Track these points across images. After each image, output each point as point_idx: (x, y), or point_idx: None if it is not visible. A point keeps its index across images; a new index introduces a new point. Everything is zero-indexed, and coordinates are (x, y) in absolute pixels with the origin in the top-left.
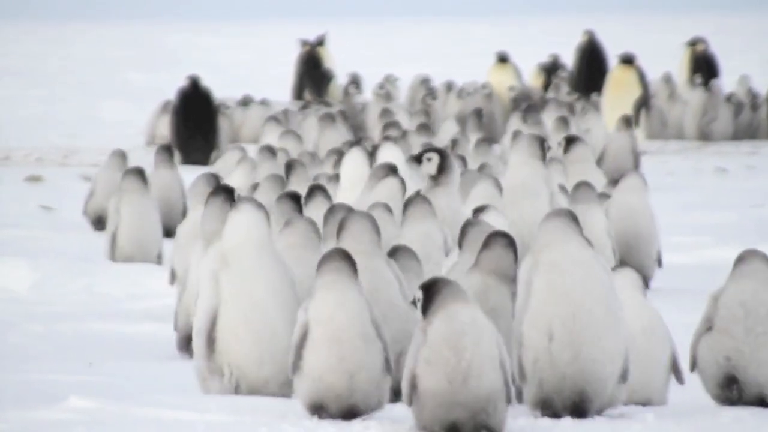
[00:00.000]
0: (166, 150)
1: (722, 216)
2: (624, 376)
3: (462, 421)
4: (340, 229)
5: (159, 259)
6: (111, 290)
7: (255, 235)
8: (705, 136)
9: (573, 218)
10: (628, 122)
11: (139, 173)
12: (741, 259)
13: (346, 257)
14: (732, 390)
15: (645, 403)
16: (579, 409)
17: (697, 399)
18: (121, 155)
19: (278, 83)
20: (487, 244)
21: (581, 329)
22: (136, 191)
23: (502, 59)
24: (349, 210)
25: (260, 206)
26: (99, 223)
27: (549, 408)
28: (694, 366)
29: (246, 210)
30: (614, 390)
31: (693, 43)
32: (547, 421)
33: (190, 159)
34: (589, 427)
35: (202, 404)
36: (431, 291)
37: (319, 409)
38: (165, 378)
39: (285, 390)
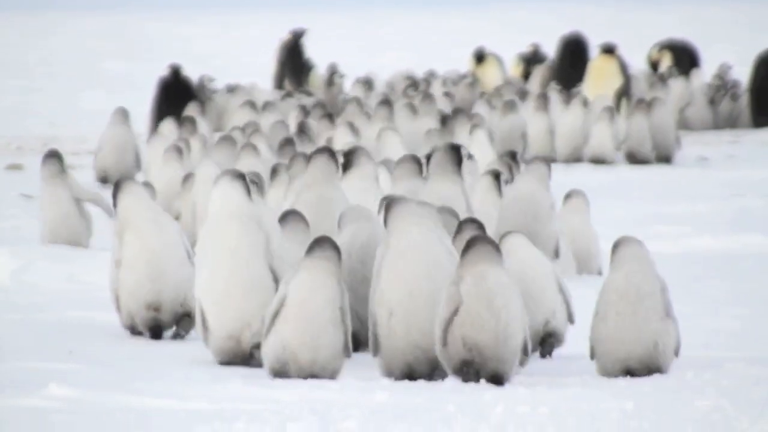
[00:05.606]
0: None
1: (703, 205)
2: None
3: None
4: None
5: (86, 241)
6: (92, 278)
7: (227, 207)
8: (684, 124)
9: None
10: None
11: (57, 157)
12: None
13: (333, 247)
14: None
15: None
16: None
17: (676, 387)
18: (123, 112)
19: (256, 73)
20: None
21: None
22: (55, 176)
23: (480, 57)
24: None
25: (238, 176)
26: (104, 181)
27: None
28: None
29: (220, 184)
30: None
31: (654, 61)
32: (525, 408)
33: None
34: (567, 416)
35: (183, 392)
36: None
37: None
38: (146, 366)
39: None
